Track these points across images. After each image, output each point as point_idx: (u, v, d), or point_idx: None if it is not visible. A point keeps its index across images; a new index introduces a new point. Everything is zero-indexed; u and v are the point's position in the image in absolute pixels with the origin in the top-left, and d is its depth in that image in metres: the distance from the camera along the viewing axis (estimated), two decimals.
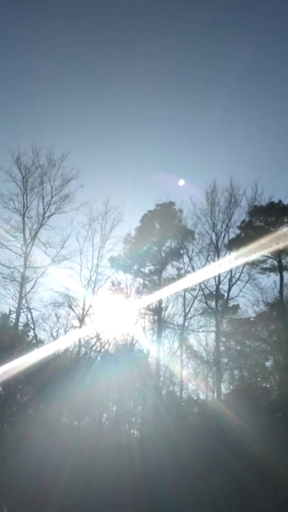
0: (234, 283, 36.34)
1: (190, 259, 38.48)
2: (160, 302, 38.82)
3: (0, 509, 11.39)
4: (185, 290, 38.34)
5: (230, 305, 37.81)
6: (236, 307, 38.64)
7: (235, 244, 36.73)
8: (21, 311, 36.05)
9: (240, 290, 36.52)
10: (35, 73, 63.30)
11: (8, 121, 61.99)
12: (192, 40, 65.41)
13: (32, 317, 37.24)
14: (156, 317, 39.08)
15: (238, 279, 36.40)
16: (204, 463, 28.28)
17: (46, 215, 37.00)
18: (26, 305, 36.47)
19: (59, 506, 25.32)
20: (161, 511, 26.21)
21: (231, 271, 36.47)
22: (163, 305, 39.07)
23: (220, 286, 36.71)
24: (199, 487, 26.56)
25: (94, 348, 39.17)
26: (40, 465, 28.10)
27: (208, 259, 37.59)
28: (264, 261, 37.21)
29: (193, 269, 38.10)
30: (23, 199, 36.57)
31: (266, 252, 35.60)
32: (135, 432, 38.60)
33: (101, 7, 65.57)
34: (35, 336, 38.68)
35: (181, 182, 43.99)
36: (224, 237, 37.45)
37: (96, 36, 68.32)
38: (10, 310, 37.47)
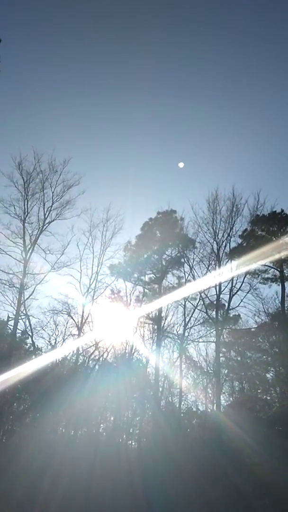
0: (235, 293, 36.02)
1: (191, 268, 38.21)
2: (160, 311, 38.51)
3: None
4: (185, 299, 38.10)
5: (231, 315, 37.47)
6: (237, 317, 38.34)
7: (236, 253, 36.39)
8: (20, 318, 35.61)
9: (241, 300, 36.18)
10: (36, 78, 63.66)
11: (10, 126, 62.28)
12: (194, 45, 65.70)
13: (30, 324, 36.81)
14: (155, 326, 38.72)
15: (239, 289, 36.08)
16: (203, 474, 27.79)
17: (47, 221, 36.76)
18: (24, 312, 36.07)
19: None
20: None
21: (232, 280, 36.22)
22: (163, 314, 38.85)
23: (221, 295, 36.38)
24: (198, 498, 26.10)
25: (92, 357, 38.74)
26: (38, 475, 27.59)
27: (209, 268, 37.31)
28: (265, 271, 37.00)
29: (194, 278, 37.82)
30: (24, 204, 36.35)
31: (267, 261, 35.36)
32: (133, 443, 38.02)
33: (99, 10, 66.03)
34: (33, 343, 38.19)
35: (181, 165, 44.47)
36: (225, 246, 37.17)
37: (97, 42, 68.89)
38: (8, 317, 37.02)
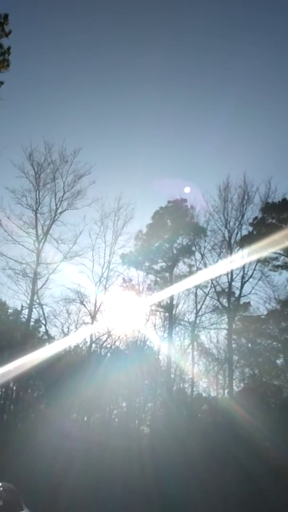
0: (247, 281, 36.06)
1: (202, 256, 38.13)
2: (171, 299, 38.60)
3: (18, 501, 11.52)
4: (196, 287, 38.07)
5: (242, 302, 37.51)
6: (247, 304, 38.34)
7: (247, 241, 36.26)
8: (33, 307, 36.25)
9: (253, 288, 36.22)
10: (47, 69, 63.53)
11: (20, 117, 62.34)
12: (204, 40, 64.96)
13: (43, 313, 37.40)
14: (167, 314, 38.95)
15: (251, 276, 36.11)
16: (214, 459, 28.11)
17: (59, 211, 37.14)
18: (37, 301, 36.64)
19: (71, 500, 25.47)
20: (171, 507, 26.18)
21: (243, 268, 36.22)
22: (175, 302, 38.90)
23: (233, 283, 36.44)
24: (209, 483, 26.43)
25: (104, 344, 39.23)
26: (51, 460, 28.20)
27: (221, 256, 37.28)
28: (276, 259, 36.82)
29: (205, 266, 37.87)
30: (36, 195, 36.75)
31: (278, 249, 35.26)
32: (145, 429, 38.56)
33: (114, 4, 65.54)
34: (46, 332, 38.78)
35: (187, 190, 42.34)
36: (237, 234, 37.05)
37: (109, 33, 68.40)
38: (22, 306, 37.71)
